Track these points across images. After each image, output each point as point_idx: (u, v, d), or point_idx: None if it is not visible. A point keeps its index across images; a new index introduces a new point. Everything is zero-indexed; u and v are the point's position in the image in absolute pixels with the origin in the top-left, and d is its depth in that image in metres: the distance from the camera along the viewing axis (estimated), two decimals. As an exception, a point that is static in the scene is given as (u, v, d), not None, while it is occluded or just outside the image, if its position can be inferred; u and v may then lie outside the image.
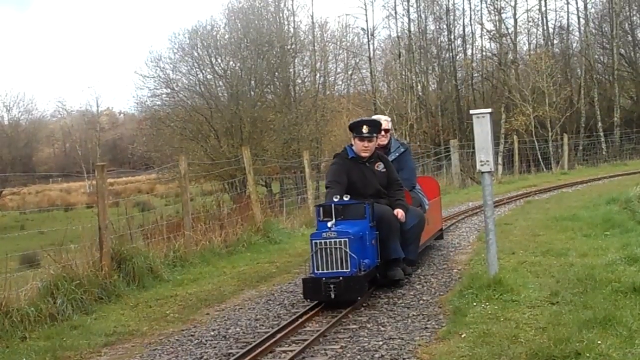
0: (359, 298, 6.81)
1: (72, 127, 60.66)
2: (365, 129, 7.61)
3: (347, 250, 6.57)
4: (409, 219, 7.78)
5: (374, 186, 7.79)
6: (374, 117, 9.48)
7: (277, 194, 29.45)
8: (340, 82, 47.81)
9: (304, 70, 42.62)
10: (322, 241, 6.68)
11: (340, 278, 6.45)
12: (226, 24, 38.97)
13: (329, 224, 6.88)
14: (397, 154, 9.00)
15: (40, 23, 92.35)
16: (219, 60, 37.43)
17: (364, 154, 7.81)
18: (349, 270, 6.59)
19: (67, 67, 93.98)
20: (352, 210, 7.06)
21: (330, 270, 6.58)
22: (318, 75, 44.26)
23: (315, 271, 6.77)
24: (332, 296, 6.46)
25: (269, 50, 38.00)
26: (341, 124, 36.62)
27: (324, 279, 6.53)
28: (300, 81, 41.02)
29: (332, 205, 7.04)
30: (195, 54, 37.24)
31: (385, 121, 9.08)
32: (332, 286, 6.38)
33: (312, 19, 43.19)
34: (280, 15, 41.31)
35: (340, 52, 47.28)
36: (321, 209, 7.23)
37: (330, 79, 46.05)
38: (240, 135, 31.33)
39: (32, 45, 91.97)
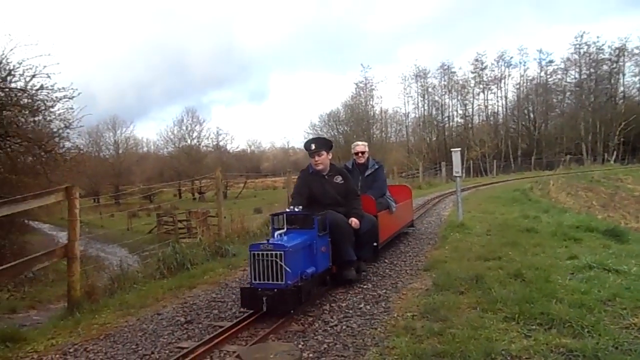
0: (292, 311, 4.43)
1: (276, 154, 78.87)
2: (312, 147, 5.76)
3: (282, 263, 4.43)
4: (363, 225, 5.75)
5: (331, 196, 5.77)
6: (358, 142, 7.80)
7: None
8: (392, 136, 59.90)
9: (376, 131, 55.62)
10: (260, 253, 4.52)
11: (275, 290, 4.39)
12: (343, 110, 53.62)
13: (276, 234, 4.90)
14: (372, 170, 7.39)
15: (269, 111, 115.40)
16: (340, 127, 50.98)
17: (316, 168, 5.80)
18: (283, 282, 4.41)
19: (280, 128, 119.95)
20: (302, 221, 5.06)
21: (265, 282, 4.48)
22: (383, 133, 57.01)
23: (253, 281, 4.54)
24: (264, 309, 4.36)
25: (362, 122, 51.42)
26: (393, 154, 48.83)
27: (259, 289, 4.44)
28: (375, 135, 53.43)
29: (284, 215, 5.06)
30: (330, 123, 51.42)
31: (362, 145, 7.60)
32: (264, 298, 4.34)
33: (381, 107, 58.48)
34: (366, 105, 55.44)
35: (392, 123, 60.88)
36: (274, 218, 5.14)
37: (388, 134, 58.61)
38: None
39: (265, 122, 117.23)
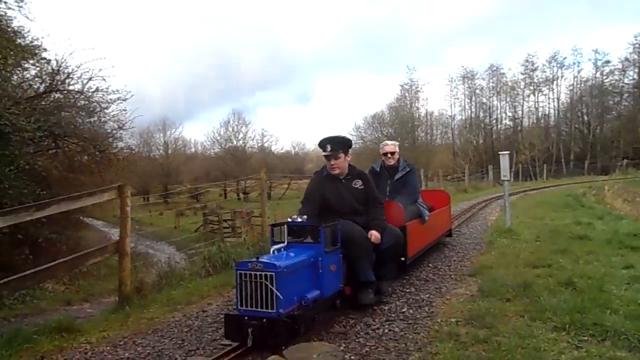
0: (283, 348, 3.49)
1: (320, 156, 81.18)
2: (328, 148, 4.88)
3: (273, 287, 3.61)
4: (386, 239, 4.82)
5: (349, 203, 4.90)
6: (387, 142, 6.90)
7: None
8: (438, 139, 58.98)
9: (421, 133, 54.83)
10: (247, 273, 3.70)
11: (264, 320, 3.56)
12: (388, 113, 53.94)
13: (274, 248, 4.12)
14: (403, 173, 6.51)
15: (314, 112, 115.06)
16: (385, 129, 50.99)
17: (332, 172, 4.94)
18: (273, 311, 3.60)
19: (324, 129, 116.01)
20: (306, 233, 4.20)
21: (253, 309, 3.67)
22: (428, 135, 56.17)
23: (240, 307, 3.74)
24: (249, 343, 3.57)
25: (406, 124, 51.15)
26: (438, 156, 48.01)
27: (245, 317, 3.63)
28: (420, 138, 52.98)
29: (285, 225, 4.25)
30: (375, 125, 52.14)
31: (392, 145, 6.72)
32: (249, 330, 3.55)
33: (426, 110, 57.30)
34: (411, 107, 54.76)
35: (438, 125, 59.84)
36: (274, 229, 4.32)
37: (433, 137, 57.94)
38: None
39: (310, 124, 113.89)
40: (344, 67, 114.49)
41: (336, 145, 4.88)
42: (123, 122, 14.51)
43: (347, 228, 4.50)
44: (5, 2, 10.05)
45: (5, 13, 10.50)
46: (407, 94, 57.22)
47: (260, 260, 3.70)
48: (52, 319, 5.08)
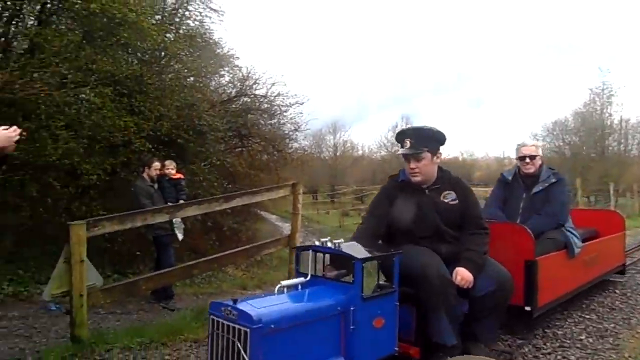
0: None
1: (490, 164, 65.79)
2: (407, 143, 3.36)
3: (246, 353, 2.23)
4: (482, 282, 3.17)
5: (432, 224, 3.33)
6: (526, 142, 5.06)
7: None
8: (634, 150, 47.53)
9: (613, 142, 45.65)
10: (220, 322, 2.39)
11: None
12: (572, 119, 45.63)
13: (284, 283, 2.72)
14: (545, 185, 4.75)
15: (486, 118, 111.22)
16: (567, 136, 45.01)
17: (412, 178, 3.40)
18: None
19: (496, 136, 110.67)
20: (340, 264, 2.82)
21: None
22: (621, 145, 46.33)
23: None
24: None
25: (594, 132, 44.26)
26: (633, 169, 40.61)
27: None
28: (611, 147, 44.97)
29: (311, 251, 2.86)
30: (555, 132, 45.05)
31: (533, 147, 4.96)
32: None
33: (621, 116, 46.59)
34: (602, 114, 46.04)
35: (635, 134, 47.67)
36: (300, 254, 2.96)
37: (628, 147, 46.58)
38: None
39: (481, 130, 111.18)
40: (521, 68, 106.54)
41: (420, 139, 3.37)
42: (299, 124, 15.64)
43: (415, 262, 3.04)
44: (210, 17, 11.65)
45: (209, 27, 12.13)
46: (597, 99, 50.86)
47: (238, 306, 2.37)
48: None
